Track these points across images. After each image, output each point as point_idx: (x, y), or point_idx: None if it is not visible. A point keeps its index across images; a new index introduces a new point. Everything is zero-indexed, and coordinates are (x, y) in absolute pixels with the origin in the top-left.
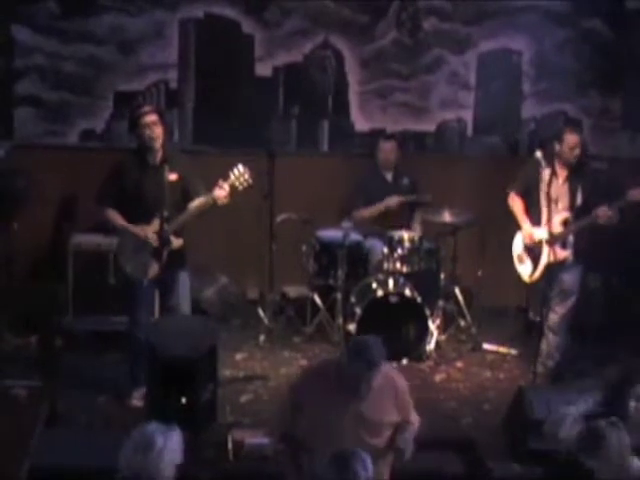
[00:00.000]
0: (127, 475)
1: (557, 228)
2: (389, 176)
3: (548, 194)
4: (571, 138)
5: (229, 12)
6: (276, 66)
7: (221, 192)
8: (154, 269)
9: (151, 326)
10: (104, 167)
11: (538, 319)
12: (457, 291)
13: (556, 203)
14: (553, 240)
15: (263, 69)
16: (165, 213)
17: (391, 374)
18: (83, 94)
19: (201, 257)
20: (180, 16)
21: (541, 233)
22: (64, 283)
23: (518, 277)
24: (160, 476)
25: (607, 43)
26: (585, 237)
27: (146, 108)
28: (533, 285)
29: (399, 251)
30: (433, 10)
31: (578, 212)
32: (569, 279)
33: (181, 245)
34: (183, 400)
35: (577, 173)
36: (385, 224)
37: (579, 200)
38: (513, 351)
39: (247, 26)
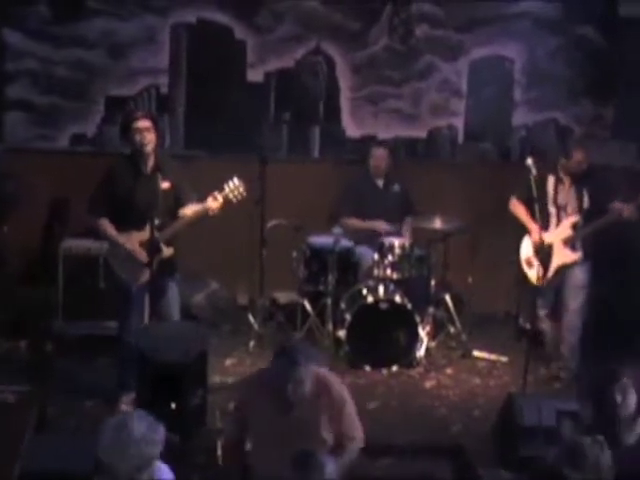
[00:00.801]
0: (103, 458)
1: (567, 232)
2: (380, 183)
3: (556, 201)
4: (579, 155)
5: (221, 17)
6: (268, 72)
7: (214, 204)
8: (145, 276)
9: (141, 331)
10: (95, 172)
11: (529, 326)
12: (447, 298)
13: (565, 208)
14: (565, 243)
15: (255, 75)
16: (157, 221)
17: (327, 382)
18: (74, 98)
19: (191, 262)
20: (172, 21)
21: (551, 237)
22: (54, 287)
23: (508, 284)
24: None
25: (599, 51)
26: (591, 235)
27: (139, 113)
28: (524, 292)
29: (389, 258)
30: (425, 17)
31: (587, 215)
32: (579, 274)
33: (172, 254)
34: (172, 405)
35: (582, 177)
36: (376, 231)
37: (586, 203)
38: (503, 358)
39: (239, 32)
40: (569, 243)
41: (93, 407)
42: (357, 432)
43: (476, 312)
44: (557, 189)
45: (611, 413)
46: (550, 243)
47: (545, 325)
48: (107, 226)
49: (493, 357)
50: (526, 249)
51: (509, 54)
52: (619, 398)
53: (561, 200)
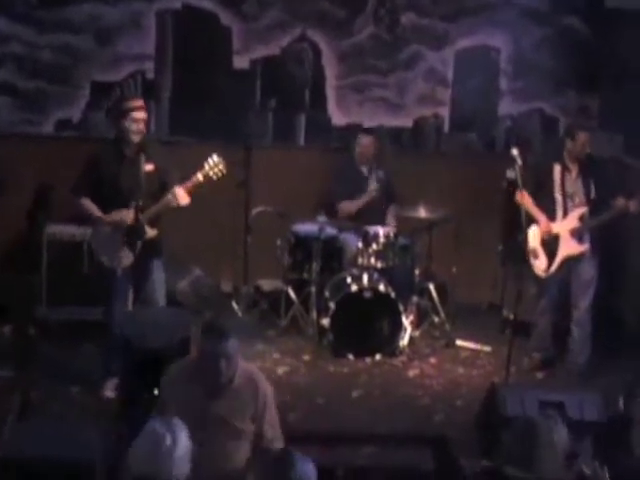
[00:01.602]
0: (138, 476)
1: (574, 222)
2: (365, 170)
3: (563, 190)
4: (583, 136)
5: (207, 4)
6: (254, 59)
7: (180, 191)
8: (128, 258)
9: (125, 317)
10: (80, 157)
11: (512, 317)
12: (431, 287)
13: (572, 198)
14: (572, 234)
15: (240, 62)
16: (140, 202)
17: (256, 378)
18: (59, 83)
19: (175, 248)
20: (157, 7)
21: (558, 227)
22: (38, 273)
23: (492, 274)
24: (173, 474)
25: (585, 41)
26: (598, 229)
27: (137, 103)
28: (509, 282)
29: (374, 246)
30: (411, 5)
31: (594, 206)
32: (587, 271)
33: (156, 235)
34: (156, 391)
35: (588, 168)
36: (361, 219)
37: (593, 194)
38: (487, 348)
39: (225, 18)
40: (576, 234)
41: (77, 393)
42: (277, 443)
43: (460, 302)
44: (564, 177)
45: (626, 426)
46: (557, 234)
47: (541, 318)
48: (91, 206)
49: (477, 347)
50: (533, 239)
51: (495, 44)
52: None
53: (568, 188)
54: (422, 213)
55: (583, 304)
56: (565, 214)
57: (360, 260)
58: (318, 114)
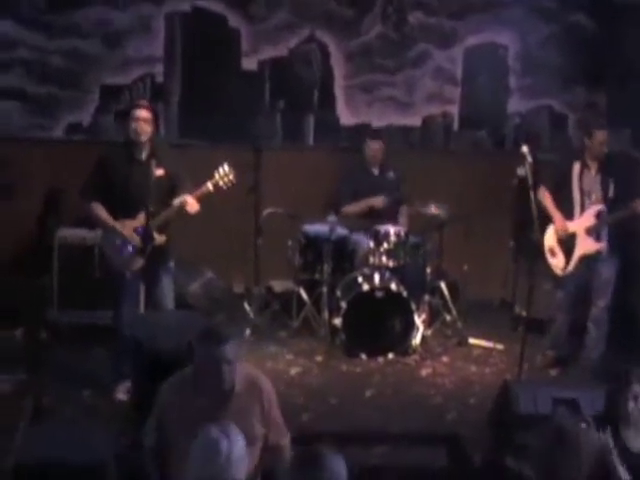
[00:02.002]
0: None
1: (591, 220)
2: (375, 170)
3: (581, 187)
4: (600, 134)
5: (215, 6)
6: (262, 60)
7: (190, 199)
8: (138, 263)
9: (137, 320)
10: (90, 161)
11: (524, 313)
12: (443, 285)
13: (589, 196)
14: (588, 232)
15: (249, 63)
16: (150, 208)
17: (256, 379)
18: (69, 87)
19: (187, 251)
20: (166, 10)
21: (574, 226)
22: (49, 276)
23: (504, 271)
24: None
25: (593, 38)
26: (618, 229)
27: (141, 102)
28: (521, 279)
29: (385, 245)
30: (419, 4)
31: (611, 204)
32: (607, 270)
33: (164, 241)
34: None
35: (608, 166)
36: (371, 218)
37: (611, 192)
38: (499, 345)
39: (233, 20)
40: (593, 232)
41: (89, 396)
42: (284, 439)
43: (472, 299)
44: (582, 175)
45: (621, 418)
46: (573, 232)
47: (559, 314)
48: (100, 211)
49: (489, 345)
50: (549, 238)
51: (503, 41)
52: (631, 405)
53: (585, 186)
54: (433, 211)
55: (601, 303)
56: (582, 212)
57: (371, 259)
58: (327, 114)
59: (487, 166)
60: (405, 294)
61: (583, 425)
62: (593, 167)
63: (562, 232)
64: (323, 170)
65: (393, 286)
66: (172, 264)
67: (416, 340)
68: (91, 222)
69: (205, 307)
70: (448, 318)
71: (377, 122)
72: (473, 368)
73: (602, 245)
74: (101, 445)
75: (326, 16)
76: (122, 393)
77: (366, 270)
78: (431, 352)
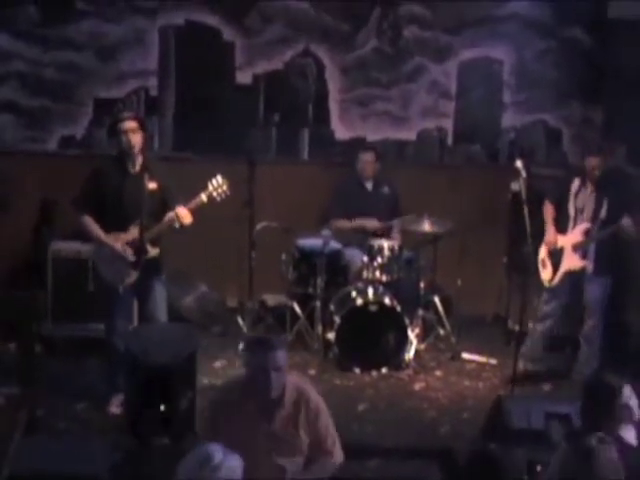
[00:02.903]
0: None
1: (577, 237)
2: (369, 185)
3: (575, 204)
4: (591, 161)
5: (209, 19)
6: (256, 74)
7: (183, 211)
8: (131, 276)
9: (131, 333)
10: (84, 174)
11: (518, 328)
12: (437, 300)
13: (581, 212)
14: (574, 249)
15: (243, 77)
16: (143, 221)
17: (305, 391)
18: (63, 101)
19: (181, 264)
20: (160, 23)
21: (563, 241)
22: (43, 289)
23: (498, 286)
24: None
25: (588, 52)
26: (607, 249)
27: (125, 114)
28: (514, 294)
29: (379, 260)
30: (414, 18)
31: (602, 224)
32: (593, 290)
33: (157, 254)
34: (162, 407)
35: (606, 185)
36: (366, 232)
37: (604, 212)
38: (492, 360)
39: (228, 33)
40: (578, 249)
41: (83, 409)
42: (333, 447)
43: (465, 314)
44: (579, 192)
45: (611, 420)
46: (562, 246)
47: (539, 325)
48: (92, 225)
49: (482, 359)
50: (542, 250)
51: (498, 56)
52: (631, 402)
53: (579, 203)
54: (426, 226)
55: (591, 321)
56: (573, 228)
57: (365, 274)
58: (321, 128)
59: (481, 181)
60: (399, 309)
61: (601, 443)
62: (590, 185)
63: (551, 245)
64: (317, 184)
65: (387, 300)
66: (164, 276)
67: (409, 354)
68: (84, 235)
69: (199, 321)
70: (442, 332)
71: (372, 136)
72: (466, 382)
73: (586, 263)
74: (95, 457)
75: (321, 30)
76: (115, 406)
77: (360, 284)
78: (424, 366)
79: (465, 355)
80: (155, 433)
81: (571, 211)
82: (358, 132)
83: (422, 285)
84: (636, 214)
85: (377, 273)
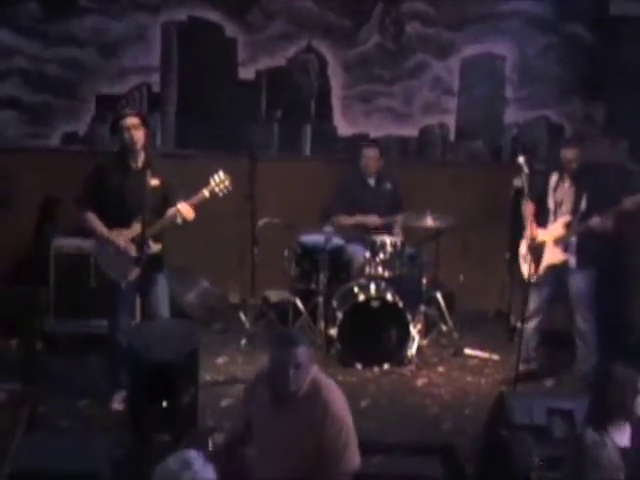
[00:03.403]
0: None
1: (559, 230)
2: (372, 181)
3: (554, 198)
4: (566, 154)
5: (212, 15)
6: (259, 70)
7: (185, 207)
8: (133, 272)
9: (133, 329)
10: (86, 170)
11: (519, 324)
12: (439, 296)
13: (561, 206)
14: (555, 242)
15: (246, 73)
16: (146, 217)
17: (321, 388)
18: (65, 97)
19: (183, 260)
20: (162, 19)
21: (544, 235)
22: (45, 286)
23: (500, 282)
24: None
25: (590, 49)
26: (590, 242)
27: (127, 111)
28: (516, 290)
29: (381, 256)
30: (416, 15)
31: (582, 217)
32: (577, 283)
33: (160, 249)
34: (164, 404)
35: (583, 181)
36: (367, 228)
37: (584, 205)
38: (495, 356)
39: (230, 29)
40: (559, 243)
41: (85, 405)
42: (345, 451)
43: (467, 310)
44: (557, 186)
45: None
46: (543, 241)
47: (528, 324)
48: (95, 221)
49: (485, 355)
50: (522, 245)
51: (500, 52)
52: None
53: (558, 197)
54: (429, 222)
55: (578, 316)
56: (554, 222)
57: (367, 270)
58: (324, 125)
59: (484, 177)
60: (401, 304)
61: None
62: (568, 179)
63: (531, 240)
64: (320, 180)
65: (389, 296)
66: (166, 272)
67: (412, 350)
68: (87, 231)
69: (201, 317)
70: (444, 328)
71: (374, 132)
72: (469, 378)
73: (568, 256)
74: (97, 454)
75: (324, 26)
76: (118, 403)
77: (362, 280)
78: (427, 362)
79: (467, 351)
80: (157, 429)
81: (551, 205)
82: (360, 128)
83: (424, 281)
84: (605, 210)
85: (379, 269)
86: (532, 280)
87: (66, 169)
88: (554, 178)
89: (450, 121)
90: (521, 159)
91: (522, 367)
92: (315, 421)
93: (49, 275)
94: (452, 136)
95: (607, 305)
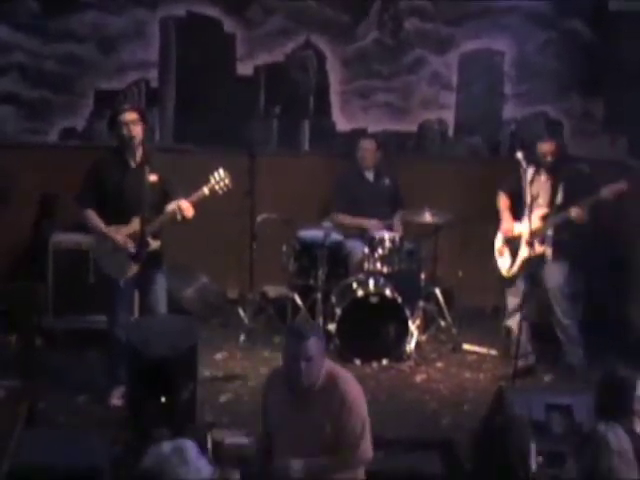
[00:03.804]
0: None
1: (536, 223)
2: (370, 176)
3: (531, 191)
4: (542, 147)
5: (210, 11)
6: (257, 65)
7: (185, 204)
8: (132, 269)
9: (132, 325)
10: (85, 166)
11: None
12: (437, 291)
13: (537, 199)
14: (532, 235)
15: (244, 68)
16: (145, 214)
17: (339, 381)
18: (63, 92)
19: (181, 256)
20: (161, 14)
21: (520, 228)
22: (44, 282)
23: (499, 277)
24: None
25: (589, 45)
26: (566, 234)
27: (125, 106)
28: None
29: (380, 251)
30: (415, 10)
31: (557, 210)
32: (552, 275)
33: (158, 246)
34: (162, 399)
35: (559, 174)
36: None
37: (560, 198)
38: (493, 351)
39: (228, 25)
40: (536, 236)
41: (84, 401)
42: (361, 441)
43: (466, 306)
44: (533, 180)
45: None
46: (519, 234)
47: (511, 321)
48: (94, 219)
49: (483, 350)
50: (498, 239)
51: (499, 48)
52: None
53: (534, 191)
54: (427, 218)
55: (558, 310)
56: (529, 215)
57: (366, 265)
58: (322, 120)
59: (482, 172)
60: (399, 300)
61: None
62: (544, 172)
63: (507, 234)
64: (318, 176)
65: (388, 292)
66: (165, 268)
67: (410, 346)
68: (85, 227)
69: (199, 312)
70: (442, 324)
71: (373, 128)
72: (467, 374)
73: (544, 249)
74: (96, 450)
75: (322, 22)
76: (117, 399)
77: (361, 276)
78: (425, 358)
79: (466, 346)
80: (156, 425)
81: (527, 199)
82: (359, 124)
83: (423, 277)
84: (584, 202)
85: (378, 265)
86: (509, 274)
87: (64, 165)
88: (530, 172)
89: (449, 117)
90: (519, 155)
91: (520, 362)
92: (333, 413)
93: (48, 271)
94: (451, 131)
95: (605, 303)
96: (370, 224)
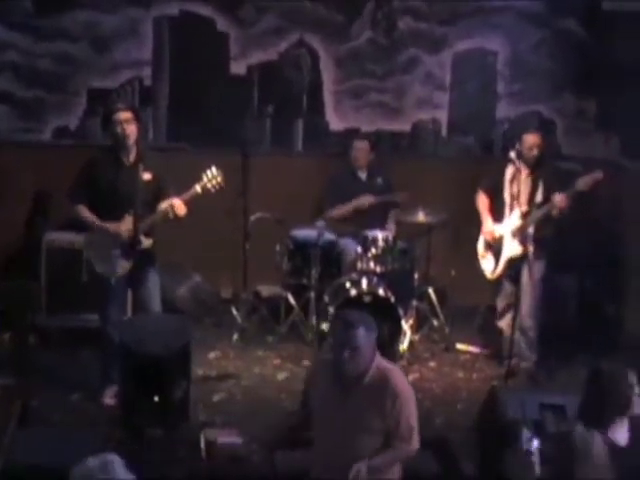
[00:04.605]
0: None
1: (516, 221)
2: (363, 175)
3: (511, 190)
4: (528, 139)
5: (204, 10)
6: (251, 65)
7: (177, 202)
8: (124, 267)
9: (125, 324)
10: (78, 164)
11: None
12: (431, 291)
13: (517, 198)
14: (513, 235)
15: (238, 67)
16: (138, 212)
17: (389, 376)
18: (57, 91)
19: (175, 255)
20: (154, 13)
21: (501, 229)
22: (37, 280)
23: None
24: None
25: (582, 44)
26: (545, 230)
27: (120, 105)
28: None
29: (373, 251)
30: (408, 10)
31: (537, 208)
32: (532, 276)
33: (151, 244)
34: (156, 398)
35: (540, 171)
36: (359, 224)
37: (539, 196)
38: (486, 351)
39: (222, 24)
40: (518, 235)
41: (77, 400)
42: (411, 435)
43: (459, 305)
44: (514, 178)
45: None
46: (501, 235)
47: (502, 322)
48: (86, 213)
49: (476, 350)
50: (480, 242)
51: (492, 47)
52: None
53: (514, 189)
54: (421, 217)
55: (524, 308)
56: (510, 214)
57: (359, 265)
58: (316, 119)
59: (475, 172)
60: (393, 299)
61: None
62: (524, 171)
63: (489, 236)
64: (312, 175)
65: (381, 291)
66: (157, 266)
67: (403, 345)
68: (79, 225)
69: (193, 311)
70: (435, 323)
71: (366, 127)
72: (460, 373)
73: (527, 248)
74: (89, 449)
75: (316, 21)
76: (110, 397)
77: (354, 275)
78: (418, 357)
79: (459, 346)
80: (149, 424)
81: (507, 198)
82: (352, 123)
83: (416, 276)
84: (568, 192)
85: (371, 264)
86: (493, 277)
87: (58, 163)
88: (510, 170)
89: (442, 116)
90: (512, 154)
91: (513, 362)
92: (384, 408)
93: (41, 269)
94: (444, 131)
95: (599, 301)
96: (363, 199)
